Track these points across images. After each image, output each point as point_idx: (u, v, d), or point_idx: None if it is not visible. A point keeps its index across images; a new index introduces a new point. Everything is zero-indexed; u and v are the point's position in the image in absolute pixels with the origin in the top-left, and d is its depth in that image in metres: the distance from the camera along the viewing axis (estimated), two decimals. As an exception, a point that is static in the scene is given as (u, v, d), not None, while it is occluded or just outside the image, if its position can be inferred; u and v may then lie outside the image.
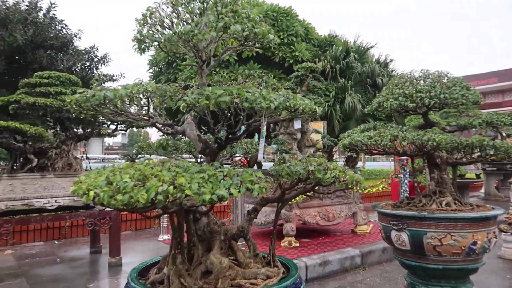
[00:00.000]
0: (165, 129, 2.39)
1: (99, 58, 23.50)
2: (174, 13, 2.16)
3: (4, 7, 19.42)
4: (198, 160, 3.22)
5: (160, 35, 2.15)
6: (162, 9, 2.26)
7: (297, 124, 7.56)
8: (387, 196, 12.49)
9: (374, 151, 3.78)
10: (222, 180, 1.78)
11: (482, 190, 14.59)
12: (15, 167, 5.44)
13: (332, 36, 19.32)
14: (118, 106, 2.06)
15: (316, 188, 2.50)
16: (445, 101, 3.59)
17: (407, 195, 8.35)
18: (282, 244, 6.67)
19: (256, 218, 2.38)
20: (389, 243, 4.01)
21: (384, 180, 9.15)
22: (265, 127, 2.04)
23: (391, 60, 19.89)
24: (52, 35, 20.37)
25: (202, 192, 1.65)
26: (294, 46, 16.48)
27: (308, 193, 2.49)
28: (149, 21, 2.20)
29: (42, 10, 21.69)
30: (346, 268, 6.23)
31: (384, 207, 4.14)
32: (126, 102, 2.01)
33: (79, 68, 21.83)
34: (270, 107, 1.90)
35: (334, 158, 13.97)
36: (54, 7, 21.55)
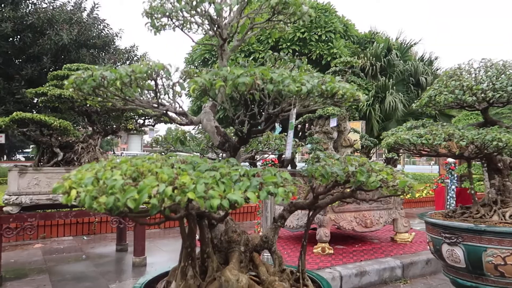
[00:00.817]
0: (179, 119, 2.05)
1: (139, 57, 23.89)
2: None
3: (51, 7, 20.15)
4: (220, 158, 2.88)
5: (171, 5, 1.80)
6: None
7: (333, 122, 7.08)
8: (430, 203, 11.67)
9: (424, 152, 3.28)
10: (237, 182, 1.41)
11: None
12: (41, 161, 5.33)
13: (372, 33, 18.53)
14: (120, 89, 1.73)
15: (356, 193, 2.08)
16: (513, 95, 3.03)
17: (454, 202, 7.64)
18: (315, 251, 6.21)
19: (284, 226, 1.98)
20: (439, 258, 3.49)
21: (428, 185, 8.44)
22: (294, 116, 1.64)
23: (436, 58, 18.80)
24: (94, 34, 20.94)
25: (210, 195, 1.28)
26: (332, 43, 15.88)
27: (346, 200, 2.07)
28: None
29: (86, 10, 22.36)
30: (385, 280, 5.69)
31: (433, 216, 3.61)
32: (128, 85, 1.67)
33: (119, 66, 22.30)
34: (301, 90, 1.50)
35: (371, 160, 13.26)
36: (97, 7, 22.16)
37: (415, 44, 18.55)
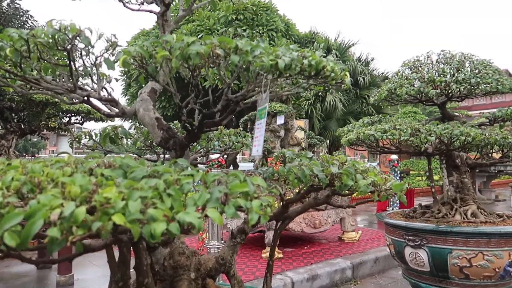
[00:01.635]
0: (106, 109, 1.54)
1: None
2: None
3: (-35, -4, 17.91)
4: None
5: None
6: None
7: (280, 120, 6.79)
8: (371, 200, 11.88)
9: (385, 149, 3.03)
10: (190, 193, 0.96)
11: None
12: None
13: (313, 33, 18.72)
14: (19, 64, 1.20)
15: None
16: (476, 87, 2.87)
17: (398, 201, 7.71)
18: (264, 255, 5.87)
19: (243, 241, 1.56)
20: (401, 261, 3.28)
21: (372, 182, 8.49)
22: (267, 101, 1.22)
23: (372, 59, 19.48)
24: (16, 27, 18.98)
25: (150, 216, 0.82)
26: (274, 41, 15.74)
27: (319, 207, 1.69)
28: None
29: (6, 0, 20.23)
30: (336, 283, 5.50)
31: (393, 216, 3.40)
32: (26, 56, 1.15)
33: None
34: (279, 66, 1.09)
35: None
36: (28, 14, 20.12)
37: (353, 45, 19.07)
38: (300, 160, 1.53)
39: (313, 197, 1.66)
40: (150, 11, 1.63)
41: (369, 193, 1.36)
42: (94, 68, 1.36)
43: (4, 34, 1.12)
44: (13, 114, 4.82)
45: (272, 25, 16.05)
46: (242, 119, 8.18)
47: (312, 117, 15.74)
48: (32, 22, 19.84)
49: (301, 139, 7.53)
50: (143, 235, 0.81)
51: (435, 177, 11.05)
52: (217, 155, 4.36)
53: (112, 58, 1.35)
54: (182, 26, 13.21)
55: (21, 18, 19.40)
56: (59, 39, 1.15)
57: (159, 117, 1.54)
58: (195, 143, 2.17)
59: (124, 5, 1.67)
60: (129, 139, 2.01)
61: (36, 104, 4.59)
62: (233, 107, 1.45)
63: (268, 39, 15.76)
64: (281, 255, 5.92)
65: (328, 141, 17.50)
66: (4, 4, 19.44)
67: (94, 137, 2.04)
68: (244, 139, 2.23)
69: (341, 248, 6.55)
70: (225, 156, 6.21)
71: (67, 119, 5.20)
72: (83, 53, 1.29)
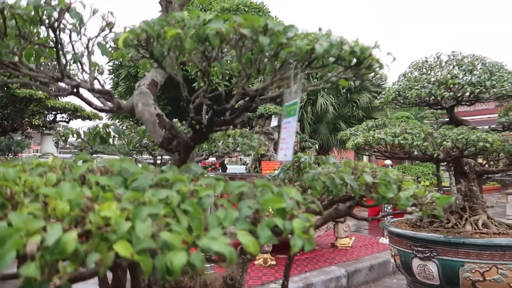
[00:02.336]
0: (99, 103, 1.31)
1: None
2: None
3: None
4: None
5: None
6: None
7: (274, 122, 6.60)
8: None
9: (395, 154, 2.85)
10: (210, 211, 0.75)
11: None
12: None
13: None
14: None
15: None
16: (491, 90, 2.72)
17: (391, 206, 7.59)
18: (256, 262, 5.65)
19: (255, 259, 1.34)
20: (407, 273, 3.10)
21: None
22: (298, 96, 1.01)
23: (362, 63, 19.41)
24: None
25: (164, 244, 0.61)
26: (266, 42, 15.59)
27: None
28: None
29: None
30: (331, 291, 5.31)
31: (399, 225, 3.23)
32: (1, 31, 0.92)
33: None
34: (316, 51, 0.88)
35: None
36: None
37: (343, 48, 19.01)
38: (323, 166, 1.33)
39: (334, 208, 1.46)
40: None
41: (410, 207, 1.17)
42: (85, 53, 1.13)
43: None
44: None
45: (264, 26, 15.91)
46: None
47: (303, 120, 15.62)
48: None
49: (294, 142, 7.34)
50: (156, 269, 0.59)
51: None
52: (213, 158, 4.13)
53: (108, 42, 1.12)
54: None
55: None
56: (44, 13, 0.92)
57: (161, 114, 1.32)
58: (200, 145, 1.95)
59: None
60: (122, 139, 1.78)
61: (19, 100, 4.29)
62: (247, 104, 1.24)
63: (259, 40, 15.62)
64: (274, 262, 5.71)
65: (317, 145, 17.40)
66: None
67: (82, 136, 1.80)
68: (250, 141, 2.02)
69: (334, 255, 6.37)
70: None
71: (52, 116, 4.90)
72: (74, 33, 1.06)
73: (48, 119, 4.95)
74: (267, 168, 6.18)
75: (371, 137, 2.68)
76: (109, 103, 1.31)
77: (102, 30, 1.12)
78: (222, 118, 1.27)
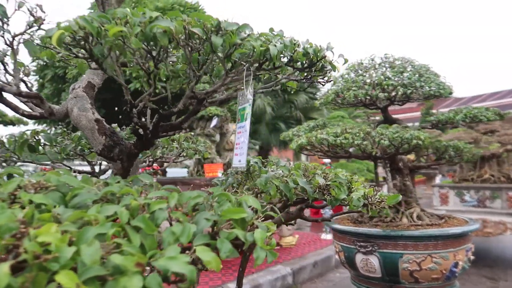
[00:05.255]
0: (27, 109, 1.17)
1: None
2: None
3: None
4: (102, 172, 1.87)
5: None
6: None
7: (214, 122, 6.53)
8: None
9: (337, 153, 2.93)
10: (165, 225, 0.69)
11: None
12: None
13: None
14: None
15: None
16: (420, 91, 2.90)
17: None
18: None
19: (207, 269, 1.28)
20: (351, 267, 3.20)
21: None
22: (251, 99, 0.97)
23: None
24: None
25: (116, 268, 0.54)
26: (203, 43, 15.45)
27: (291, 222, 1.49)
28: None
29: None
30: (278, 290, 5.37)
31: (342, 222, 3.33)
32: None
33: None
34: (271, 53, 0.85)
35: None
36: None
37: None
38: (273, 169, 1.31)
39: (286, 212, 1.44)
40: None
41: (361, 207, 1.18)
42: (9, 51, 1.00)
43: None
44: None
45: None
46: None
47: (243, 121, 15.68)
48: None
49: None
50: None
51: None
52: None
53: (35, 39, 1.00)
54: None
55: None
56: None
57: (100, 119, 1.21)
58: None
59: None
60: (54, 147, 1.61)
61: None
62: (196, 107, 1.18)
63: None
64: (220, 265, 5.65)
65: (257, 146, 17.59)
66: None
67: (7, 145, 1.61)
68: (195, 145, 1.94)
69: (280, 254, 6.45)
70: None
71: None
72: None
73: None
74: (210, 171, 6.10)
75: (314, 138, 2.73)
76: (38, 109, 1.17)
77: (30, 26, 1.00)
78: (169, 122, 1.20)
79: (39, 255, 0.50)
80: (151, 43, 0.83)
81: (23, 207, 0.64)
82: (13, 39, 0.98)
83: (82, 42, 0.81)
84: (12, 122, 4.50)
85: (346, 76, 3.37)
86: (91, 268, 0.52)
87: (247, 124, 1.04)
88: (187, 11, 16.16)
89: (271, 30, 0.95)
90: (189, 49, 0.86)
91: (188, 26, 0.81)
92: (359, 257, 3.03)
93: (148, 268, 0.60)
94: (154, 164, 4.30)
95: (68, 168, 1.65)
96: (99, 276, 0.52)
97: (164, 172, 13.95)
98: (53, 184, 0.76)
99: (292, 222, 1.64)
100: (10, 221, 0.54)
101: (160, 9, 15.20)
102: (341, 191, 1.12)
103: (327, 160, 7.78)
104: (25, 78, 1.23)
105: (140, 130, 1.16)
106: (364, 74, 3.21)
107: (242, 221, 0.71)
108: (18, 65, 1.16)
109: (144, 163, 1.85)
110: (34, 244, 0.50)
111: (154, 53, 0.86)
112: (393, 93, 2.92)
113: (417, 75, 2.98)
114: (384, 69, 3.24)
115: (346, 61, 1.01)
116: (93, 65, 0.91)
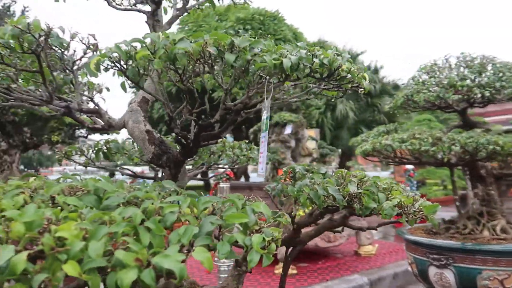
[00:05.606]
0: (91, 122, 1.36)
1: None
2: None
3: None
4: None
5: None
6: None
7: (288, 129, 6.59)
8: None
9: (404, 160, 2.80)
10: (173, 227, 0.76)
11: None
12: None
13: (321, 42, 18.58)
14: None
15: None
16: (501, 92, 2.64)
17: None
18: (277, 271, 5.61)
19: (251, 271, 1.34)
20: (424, 281, 3.01)
21: (387, 193, 8.17)
22: (268, 111, 1.03)
23: (381, 67, 19.23)
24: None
25: (118, 262, 0.63)
26: (283, 50, 15.64)
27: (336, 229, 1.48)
28: None
29: (15, 14, 20.74)
30: (353, 300, 5.21)
31: (415, 232, 3.15)
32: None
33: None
34: (284, 66, 0.89)
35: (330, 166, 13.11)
36: (27, 11, 20.59)
37: (361, 53, 18.90)
38: (312, 177, 1.33)
39: (328, 219, 1.45)
40: (139, 11, 1.46)
41: (396, 216, 1.15)
42: (77, 69, 1.18)
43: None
44: (16, 129, 4.71)
45: (279, 34, 15.94)
46: (251, 129, 7.99)
47: (323, 126, 15.51)
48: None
49: (313, 149, 7.30)
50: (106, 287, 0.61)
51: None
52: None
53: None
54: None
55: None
56: (26, 40, 0.98)
57: (151, 130, 1.35)
58: (197, 158, 1.98)
59: (109, 4, 1.50)
60: (122, 154, 1.83)
61: (38, 118, 4.48)
62: (233, 117, 1.25)
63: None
64: (295, 271, 5.66)
65: (340, 151, 17.22)
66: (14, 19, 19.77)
67: (86, 153, 1.87)
68: (249, 152, 2.04)
69: (357, 263, 6.25)
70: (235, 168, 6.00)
71: (72, 132, 5.08)
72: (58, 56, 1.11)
73: (68, 134, 5.12)
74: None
75: (378, 144, 2.64)
76: (100, 121, 1.35)
77: (85, 53, 1.17)
78: (208, 132, 1.29)
79: (53, 247, 0.61)
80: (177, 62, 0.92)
81: (61, 208, 0.77)
82: (73, 65, 1.16)
83: (119, 66, 0.94)
84: (106, 130, 5.12)
85: (418, 78, 3.20)
86: (93, 260, 0.61)
87: (266, 134, 1.09)
88: (266, 20, 16.52)
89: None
90: (210, 66, 0.94)
91: (205, 46, 0.89)
92: (432, 271, 2.84)
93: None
94: (228, 170, 4.49)
95: (132, 173, 1.86)
96: (102, 268, 0.61)
97: (246, 177, 14.33)
98: (91, 188, 0.89)
99: (339, 229, 1.63)
100: (38, 218, 0.66)
101: (241, 19, 15.78)
102: (370, 199, 1.10)
103: (410, 166, 7.37)
104: (97, 95, 1.42)
105: (183, 140, 1.28)
106: (438, 75, 3.02)
107: (245, 225, 0.77)
108: (89, 85, 1.35)
109: (200, 169, 1.99)
110: (49, 238, 0.61)
111: (179, 71, 0.96)
112: (469, 95, 2.70)
113: (498, 75, 2.72)
114: (461, 69, 3.01)
115: (365, 70, 1.00)
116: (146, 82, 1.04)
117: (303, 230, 1.49)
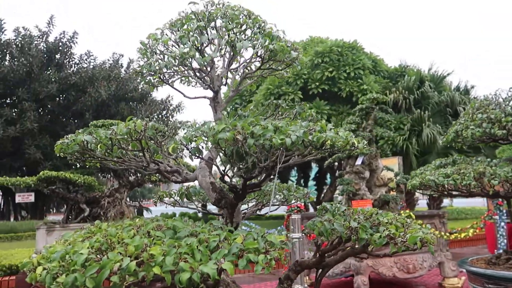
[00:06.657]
0: (173, 177, 1.97)
1: (174, 106, 24.84)
2: (171, 35, 1.78)
3: (91, 66, 21.69)
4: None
5: (157, 63, 1.78)
6: (166, 34, 1.91)
7: (359, 161, 6.81)
8: (482, 241, 10.73)
9: (454, 192, 2.99)
10: (215, 249, 1.27)
11: None
12: (70, 217, 5.42)
13: (403, 67, 18.24)
14: (108, 150, 1.69)
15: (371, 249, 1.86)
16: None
17: (505, 241, 6.96)
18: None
19: (291, 288, 1.78)
20: (486, 312, 3.07)
21: (475, 223, 7.78)
22: (276, 170, 1.51)
23: (472, 87, 18.07)
24: (132, 88, 22.12)
25: (180, 268, 1.15)
26: (362, 79, 15.74)
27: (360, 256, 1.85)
28: (149, 48, 1.84)
29: (123, 66, 23.84)
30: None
31: (475, 263, 3.24)
32: (110, 148, 1.62)
33: (156, 116, 23.22)
34: (285, 143, 1.38)
35: (415, 197, 12.65)
36: (133, 62, 23.64)
37: (448, 74, 18.04)
38: (334, 213, 1.75)
39: (350, 247, 1.83)
40: (204, 97, 2.05)
41: (383, 246, 1.51)
42: (164, 144, 1.80)
43: (97, 133, 1.61)
44: (124, 171, 5.74)
45: (358, 63, 16.12)
46: (326, 161, 8.27)
47: (408, 153, 15.00)
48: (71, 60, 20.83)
49: (389, 179, 7.37)
50: (175, 282, 1.14)
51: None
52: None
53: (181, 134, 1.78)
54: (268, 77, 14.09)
55: (136, 80, 22.41)
56: (132, 133, 1.61)
57: (214, 182, 1.91)
58: (257, 197, 2.50)
59: (184, 96, 2.13)
60: (196, 196, 2.43)
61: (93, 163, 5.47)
62: (268, 172, 1.75)
63: (355, 77, 15.84)
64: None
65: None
66: (122, 70, 22.82)
67: (173, 196, 2.52)
68: (294, 192, 2.50)
69: (441, 296, 6.08)
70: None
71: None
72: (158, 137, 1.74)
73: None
74: (358, 207, 6.35)
75: (424, 179, 2.89)
76: (179, 177, 1.95)
77: (171, 136, 1.78)
78: (252, 183, 1.81)
79: (148, 259, 1.16)
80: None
81: (152, 237, 1.33)
82: (161, 142, 1.77)
83: (189, 146, 1.51)
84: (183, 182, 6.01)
85: (470, 114, 3.37)
86: (168, 266, 1.14)
87: (274, 183, 1.56)
88: (345, 51, 16.85)
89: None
90: (241, 145, 1.46)
91: (236, 134, 1.41)
92: (490, 301, 2.92)
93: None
94: (299, 203, 4.93)
95: (206, 211, 2.46)
96: (168, 269, 1.14)
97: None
98: (170, 226, 1.45)
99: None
100: (141, 244, 1.22)
101: (320, 53, 16.35)
102: (364, 232, 1.48)
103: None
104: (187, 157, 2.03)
105: (234, 189, 1.80)
106: (486, 110, 3.18)
107: (256, 249, 1.25)
108: (172, 150, 1.97)
109: (256, 206, 2.50)
110: (146, 254, 1.16)
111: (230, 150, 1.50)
112: (512, 130, 2.82)
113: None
114: (510, 103, 3.13)
115: (354, 144, 1.43)
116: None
117: (330, 258, 1.89)
